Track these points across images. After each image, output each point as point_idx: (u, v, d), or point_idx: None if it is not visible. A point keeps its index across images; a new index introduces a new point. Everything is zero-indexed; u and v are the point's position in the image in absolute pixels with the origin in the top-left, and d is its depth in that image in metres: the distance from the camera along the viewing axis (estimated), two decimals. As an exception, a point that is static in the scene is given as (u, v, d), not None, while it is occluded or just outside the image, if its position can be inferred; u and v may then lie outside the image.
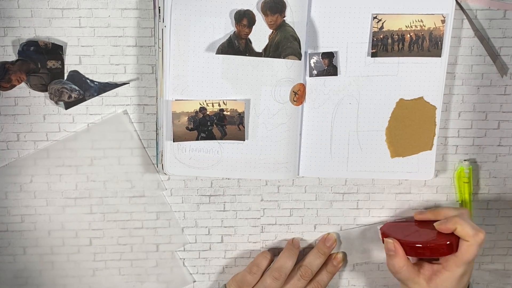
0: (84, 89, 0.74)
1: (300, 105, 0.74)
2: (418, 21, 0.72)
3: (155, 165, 0.76)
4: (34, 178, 0.76)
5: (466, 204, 0.78)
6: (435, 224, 0.73)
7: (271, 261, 0.77)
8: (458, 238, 0.71)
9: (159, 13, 0.70)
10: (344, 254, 0.80)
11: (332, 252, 0.80)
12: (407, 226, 0.77)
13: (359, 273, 0.82)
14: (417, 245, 0.72)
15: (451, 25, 0.73)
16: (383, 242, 0.75)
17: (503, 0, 0.74)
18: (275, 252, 0.80)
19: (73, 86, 0.74)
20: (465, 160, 0.78)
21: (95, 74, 0.74)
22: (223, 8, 0.70)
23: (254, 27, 0.71)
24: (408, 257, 0.73)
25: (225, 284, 0.78)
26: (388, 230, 0.77)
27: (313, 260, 0.77)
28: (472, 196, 0.79)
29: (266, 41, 0.71)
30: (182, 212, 0.79)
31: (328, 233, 0.80)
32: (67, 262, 0.79)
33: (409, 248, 0.72)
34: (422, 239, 0.73)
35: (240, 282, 0.77)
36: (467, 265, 0.71)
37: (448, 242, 0.70)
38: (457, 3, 0.73)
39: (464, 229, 0.70)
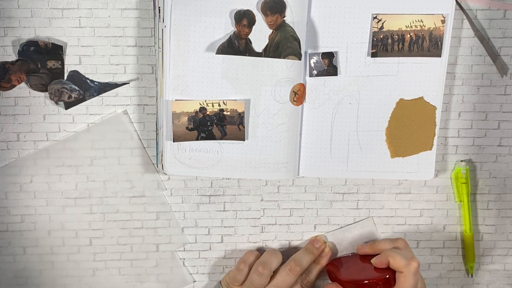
0: (84, 89, 0.74)
1: (300, 105, 0.75)
2: (418, 21, 0.72)
3: (155, 165, 0.77)
4: (34, 178, 0.76)
5: (465, 204, 0.78)
6: (371, 260, 0.74)
7: (258, 257, 0.77)
8: (395, 271, 0.71)
9: (159, 13, 0.70)
10: (332, 245, 0.80)
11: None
12: (352, 261, 0.78)
13: (359, 273, 0.82)
14: (355, 283, 0.73)
15: (451, 25, 0.73)
16: (331, 280, 0.76)
17: (503, 0, 0.74)
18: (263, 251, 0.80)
19: (73, 86, 0.74)
20: (461, 161, 0.78)
21: (95, 74, 0.74)
22: (223, 8, 0.70)
23: (254, 27, 0.71)
24: None
25: (219, 281, 0.79)
26: (332, 267, 0.77)
27: (302, 256, 0.77)
28: (470, 196, 0.79)
29: (266, 41, 0.71)
30: (182, 212, 0.79)
31: (316, 236, 0.80)
32: (67, 262, 0.79)
33: (351, 286, 0.73)
34: (362, 275, 0.73)
35: (231, 279, 0.77)
36: None
37: (387, 276, 0.71)
38: (457, 3, 0.73)
39: (396, 261, 0.71)
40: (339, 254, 0.80)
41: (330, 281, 0.77)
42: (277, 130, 0.74)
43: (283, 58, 0.71)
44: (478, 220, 0.80)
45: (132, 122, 0.76)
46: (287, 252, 0.80)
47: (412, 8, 0.72)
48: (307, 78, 0.74)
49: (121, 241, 0.79)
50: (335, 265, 0.78)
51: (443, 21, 0.72)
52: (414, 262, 0.70)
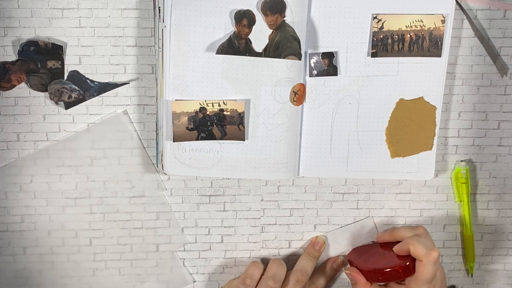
0: (84, 89, 0.74)
1: (300, 105, 0.75)
2: (418, 21, 0.72)
3: (155, 165, 0.77)
4: (34, 178, 0.76)
5: (465, 204, 0.78)
6: (394, 248, 0.73)
7: (263, 271, 0.77)
8: (415, 259, 0.71)
9: (159, 13, 0.70)
10: (345, 258, 0.80)
11: (332, 255, 0.80)
12: (372, 250, 0.77)
13: (359, 273, 0.82)
14: (375, 271, 0.72)
15: (451, 25, 0.73)
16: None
17: (503, 0, 0.74)
18: (264, 261, 0.79)
19: (73, 86, 0.74)
20: (461, 161, 0.78)
21: (95, 74, 0.74)
22: (223, 8, 0.70)
23: (254, 27, 0.71)
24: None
25: None
26: (353, 257, 0.77)
27: (306, 264, 0.77)
28: (470, 196, 0.79)
29: (266, 41, 0.71)
30: (182, 212, 0.79)
31: (317, 237, 0.80)
32: (67, 262, 0.79)
33: (369, 275, 0.73)
34: (382, 263, 0.73)
35: None
36: (428, 284, 0.70)
37: (407, 264, 0.71)
38: (457, 3, 0.73)
39: (416, 249, 0.70)
40: (339, 254, 0.80)
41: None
42: (277, 130, 0.74)
43: (283, 58, 0.71)
44: (478, 220, 0.80)
45: (132, 122, 0.76)
46: (287, 253, 0.80)
47: (412, 8, 0.72)
48: (307, 78, 0.74)
49: (121, 241, 0.79)
50: (355, 254, 0.77)
51: (443, 21, 0.72)
52: (434, 252, 0.69)
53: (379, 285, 0.74)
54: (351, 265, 0.77)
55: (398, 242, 0.74)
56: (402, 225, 0.79)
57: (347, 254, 0.79)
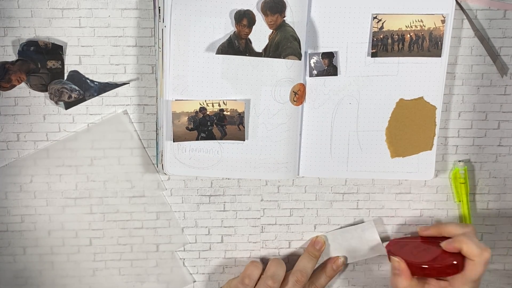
0: (84, 89, 0.74)
1: (300, 105, 0.75)
2: (418, 21, 0.72)
3: (155, 165, 0.77)
4: (34, 178, 0.76)
5: (464, 204, 0.78)
6: (441, 244, 0.72)
7: (262, 270, 0.77)
8: (464, 257, 0.71)
9: (159, 13, 0.70)
10: (345, 258, 0.80)
11: (333, 255, 0.80)
12: (413, 243, 0.77)
13: (359, 273, 0.82)
14: (423, 266, 0.71)
15: (451, 25, 0.73)
16: (389, 260, 0.75)
17: (503, 0, 0.74)
18: (264, 261, 0.79)
19: (73, 86, 0.74)
20: (459, 161, 0.78)
21: (95, 74, 0.74)
22: (223, 8, 0.70)
23: (254, 27, 0.71)
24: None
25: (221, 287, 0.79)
26: (394, 249, 0.76)
27: (307, 264, 0.77)
28: (470, 196, 0.79)
29: (266, 41, 0.71)
30: (182, 212, 0.79)
31: (317, 236, 0.80)
32: (67, 262, 0.79)
33: (415, 268, 0.72)
34: (428, 258, 0.72)
35: None
36: (473, 283, 0.70)
37: (454, 262, 0.70)
38: (457, 3, 0.73)
39: (469, 248, 0.69)
40: (339, 254, 0.80)
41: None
42: (277, 130, 0.74)
43: (283, 58, 0.71)
44: (478, 220, 0.80)
45: (132, 122, 0.76)
46: (287, 253, 0.80)
47: (412, 8, 0.72)
48: (307, 78, 0.74)
49: (121, 241, 0.79)
50: (396, 246, 0.77)
51: (443, 21, 0.72)
52: (486, 253, 0.69)
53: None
54: (390, 256, 0.75)
55: (441, 237, 0.73)
56: (450, 222, 0.78)
57: (385, 245, 0.78)
